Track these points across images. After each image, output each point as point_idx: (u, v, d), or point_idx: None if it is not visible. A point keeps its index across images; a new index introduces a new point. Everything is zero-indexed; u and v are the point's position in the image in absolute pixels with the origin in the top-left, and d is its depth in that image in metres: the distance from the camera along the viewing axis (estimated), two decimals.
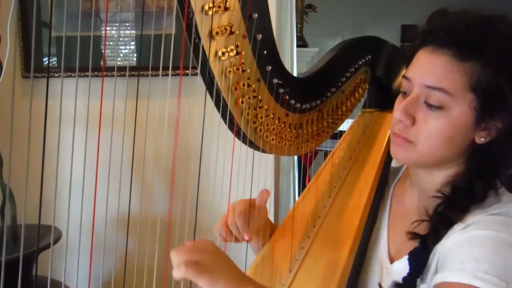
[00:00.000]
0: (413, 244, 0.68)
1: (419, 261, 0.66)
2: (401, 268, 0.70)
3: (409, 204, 0.78)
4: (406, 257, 0.69)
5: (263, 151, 0.81)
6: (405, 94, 0.69)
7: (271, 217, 1.49)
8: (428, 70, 0.65)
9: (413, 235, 0.67)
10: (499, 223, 0.61)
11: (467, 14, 0.66)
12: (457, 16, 0.67)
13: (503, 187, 0.68)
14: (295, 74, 1.71)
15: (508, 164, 0.67)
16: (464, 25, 0.63)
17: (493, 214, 0.63)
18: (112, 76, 1.46)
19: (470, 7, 0.66)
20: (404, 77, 0.69)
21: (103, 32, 1.68)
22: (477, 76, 0.61)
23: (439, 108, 0.64)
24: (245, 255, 0.87)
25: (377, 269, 0.77)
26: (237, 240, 0.83)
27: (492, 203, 0.65)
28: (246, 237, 0.81)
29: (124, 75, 1.44)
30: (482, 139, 0.65)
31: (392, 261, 0.74)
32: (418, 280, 0.65)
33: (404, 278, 0.66)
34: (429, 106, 0.65)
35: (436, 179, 0.71)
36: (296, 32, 1.92)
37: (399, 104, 0.68)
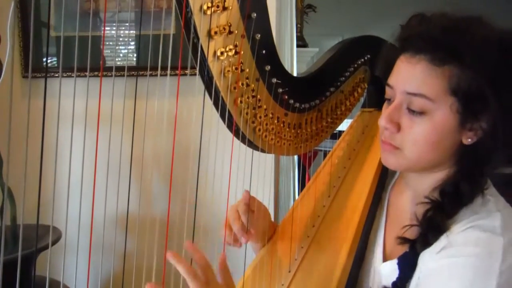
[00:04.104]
0: (405, 247, 0.68)
1: (408, 266, 0.66)
2: (389, 270, 0.70)
3: (404, 206, 0.78)
4: (395, 260, 0.69)
5: (262, 150, 0.81)
6: (389, 101, 0.70)
7: (271, 216, 1.49)
8: (408, 77, 0.65)
9: (403, 240, 0.67)
10: (479, 244, 0.60)
11: (443, 17, 0.66)
12: (433, 20, 0.66)
13: (490, 188, 0.67)
14: (295, 74, 1.71)
15: (494, 164, 0.67)
16: (439, 30, 0.63)
17: (474, 226, 0.62)
18: (111, 76, 1.46)
19: (450, 9, 0.66)
20: (387, 84, 0.70)
21: (103, 32, 1.68)
22: (456, 79, 0.61)
23: (422, 113, 0.64)
24: (245, 255, 0.87)
25: (370, 271, 0.77)
26: (236, 242, 0.83)
27: (479, 207, 0.65)
28: (243, 240, 0.82)
29: (123, 75, 1.44)
30: (469, 140, 0.65)
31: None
32: (409, 282, 0.66)
33: (394, 283, 0.67)
34: (412, 112, 0.65)
35: (428, 182, 0.70)
36: (296, 32, 1.92)
37: (385, 111, 0.69)
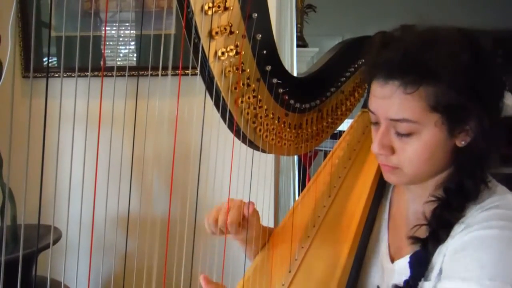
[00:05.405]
0: (411, 245, 0.68)
1: (421, 265, 0.67)
2: (403, 267, 0.70)
3: (407, 206, 0.79)
4: (406, 258, 0.70)
5: (263, 151, 0.81)
6: (376, 123, 0.71)
7: (271, 217, 1.49)
8: (386, 104, 0.66)
9: (414, 239, 0.68)
10: (500, 218, 0.62)
11: (406, 34, 0.66)
12: (396, 40, 0.66)
13: (493, 180, 0.69)
14: (295, 74, 1.71)
15: (491, 159, 0.68)
16: (402, 53, 0.63)
17: (492, 207, 0.64)
18: (112, 76, 1.46)
19: (413, 21, 0.66)
20: (369, 109, 0.71)
21: (103, 32, 1.68)
22: (434, 97, 0.62)
23: (410, 134, 0.65)
24: (245, 255, 0.87)
25: (378, 270, 0.77)
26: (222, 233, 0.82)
27: (487, 196, 0.66)
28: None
29: (124, 75, 1.45)
30: (463, 142, 0.66)
31: (392, 260, 0.75)
32: (421, 281, 0.66)
33: (406, 281, 0.67)
34: (400, 134, 0.66)
35: (430, 184, 0.72)
36: (296, 32, 1.92)
37: (375, 138, 0.70)
